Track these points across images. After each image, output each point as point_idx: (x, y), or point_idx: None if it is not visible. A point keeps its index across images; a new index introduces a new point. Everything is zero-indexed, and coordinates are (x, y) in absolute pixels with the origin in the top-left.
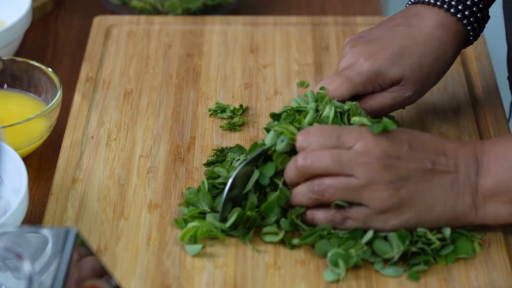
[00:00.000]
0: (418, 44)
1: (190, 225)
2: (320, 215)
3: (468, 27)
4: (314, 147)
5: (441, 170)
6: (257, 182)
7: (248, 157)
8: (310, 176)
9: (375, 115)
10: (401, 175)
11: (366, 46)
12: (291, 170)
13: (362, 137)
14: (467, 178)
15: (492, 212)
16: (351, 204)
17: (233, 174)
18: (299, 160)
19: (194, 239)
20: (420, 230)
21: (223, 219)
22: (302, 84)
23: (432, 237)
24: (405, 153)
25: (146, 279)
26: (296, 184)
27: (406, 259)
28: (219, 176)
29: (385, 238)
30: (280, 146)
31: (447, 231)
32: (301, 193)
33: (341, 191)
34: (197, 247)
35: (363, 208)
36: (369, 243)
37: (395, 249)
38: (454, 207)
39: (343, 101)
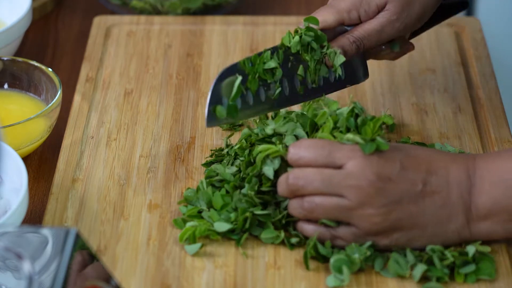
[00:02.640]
0: None
1: (188, 224)
2: (309, 230)
3: None
4: (305, 161)
5: (432, 190)
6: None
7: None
8: (301, 194)
9: (367, 47)
10: (392, 198)
11: None
12: (282, 186)
13: (354, 156)
14: (459, 197)
15: (486, 230)
16: (339, 223)
17: (228, 66)
18: (290, 179)
19: (192, 239)
20: (436, 246)
21: (209, 112)
22: None
23: (448, 253)
24: (396, 174)
25: (146, 279)
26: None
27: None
28: (217, 174)
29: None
30: (270, 170)
31: (471, 250)
32: (293, 207)
33: (330, 211)
34: (196, 246)
35: (352, 228)
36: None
37: (407, 266)
38: (447, 227)
39: (330, 29)
